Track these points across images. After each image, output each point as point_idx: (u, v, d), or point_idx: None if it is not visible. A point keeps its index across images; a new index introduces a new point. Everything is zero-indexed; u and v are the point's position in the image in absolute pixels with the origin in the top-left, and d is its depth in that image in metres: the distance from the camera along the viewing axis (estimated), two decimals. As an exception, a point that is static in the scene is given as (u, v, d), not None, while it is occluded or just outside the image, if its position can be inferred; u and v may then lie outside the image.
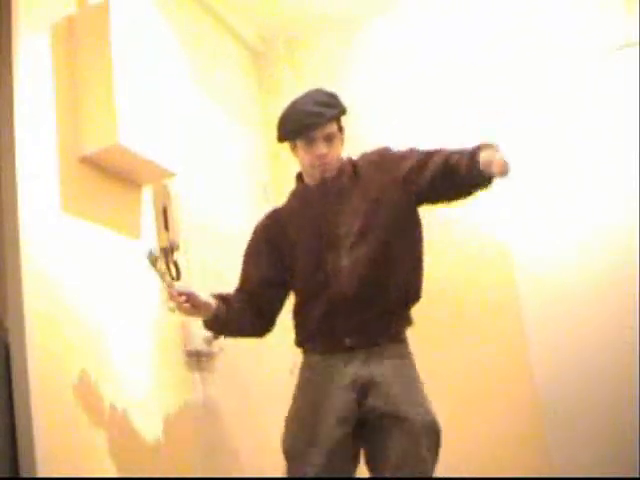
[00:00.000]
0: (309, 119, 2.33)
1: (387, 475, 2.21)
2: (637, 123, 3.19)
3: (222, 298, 2.41)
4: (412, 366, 2.36)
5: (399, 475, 2.19)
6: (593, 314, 3.19)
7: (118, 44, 2.42)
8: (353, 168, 2.42)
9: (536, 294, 3.30)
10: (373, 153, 2.46)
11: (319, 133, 2.34)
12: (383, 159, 2.43)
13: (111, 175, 2.53)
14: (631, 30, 3.25)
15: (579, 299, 3.23)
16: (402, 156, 2.40)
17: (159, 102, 2.62)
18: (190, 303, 2.31)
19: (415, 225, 2.41)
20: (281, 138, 2.42)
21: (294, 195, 2.52)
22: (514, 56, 3.46)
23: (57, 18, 2.44)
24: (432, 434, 2.25)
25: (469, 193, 2.33)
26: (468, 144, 3.42)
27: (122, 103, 2.38)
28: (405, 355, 2.36)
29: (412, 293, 2.40)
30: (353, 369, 2.28)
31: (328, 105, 2.36)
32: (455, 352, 3.32)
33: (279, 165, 3.45)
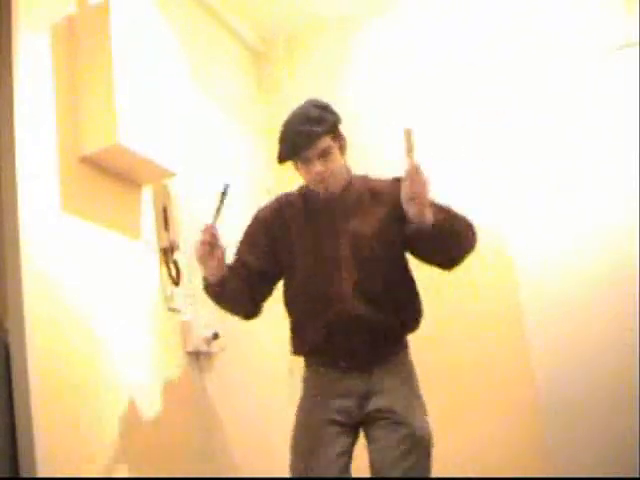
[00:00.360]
0: (299, 140, 2.28)
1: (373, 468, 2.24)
2: (637, 123, 3.19)
3: (229, 267, 2.39)
4: (411, 377, 2.37)
5: (384, 472, 2.21)
6: (593, 315, 3.18)
7: (118, 44, 2.42)
8: (369, 190, 2.41)
9: (536, 295, 3.29)
10: (391, 181, 2.42)
11: (312, 152, 2.29)
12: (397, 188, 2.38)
13: (111, 175, 2.53)
14: (631, 30, 3.24)
15: (579, 300, 3.23)
16: None
17: (159, 102, 2.62)
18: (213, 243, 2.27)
19: (404, 256, 2.43)
20: (279, 159, 2.37)
21: (303, 194, 2.46)
22: (514, 56, 3.45)
23: (57, 18, 2.44)
24: (425, 447, 2.25)
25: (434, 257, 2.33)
26: (468, 144, 3.46)
27: (122, 103, 2.38)
28: (404, 365, 2.37)
29: (411, 319, 2.40)
30: (352, 380, 2.30)
31: (318, 121, 2.29)
32: (455, 354, 3.32)
33: (278, 165, 3.44)
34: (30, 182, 2.18)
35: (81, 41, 2.46)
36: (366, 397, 2.28)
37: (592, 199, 3.28)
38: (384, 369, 2.30)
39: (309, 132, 2.27)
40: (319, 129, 2.28)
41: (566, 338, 3.21)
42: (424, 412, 2.32)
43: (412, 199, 2.12)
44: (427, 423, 2.30)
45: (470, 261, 3.42)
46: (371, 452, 2.27)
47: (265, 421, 3.18)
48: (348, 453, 2.28)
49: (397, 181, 2.38)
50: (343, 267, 2.30)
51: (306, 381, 2.41)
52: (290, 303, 2.43)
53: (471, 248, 2.36)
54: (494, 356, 3.30)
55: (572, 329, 3.20)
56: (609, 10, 3.35)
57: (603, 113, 3.29)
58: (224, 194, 2.32)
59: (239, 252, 2.47)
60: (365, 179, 2.46)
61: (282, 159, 2.36)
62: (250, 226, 2.51)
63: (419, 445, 2.24)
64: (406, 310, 2.36)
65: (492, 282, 3.37)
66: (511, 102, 3.45)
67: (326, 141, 2.30)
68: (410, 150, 2.11)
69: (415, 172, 2.11)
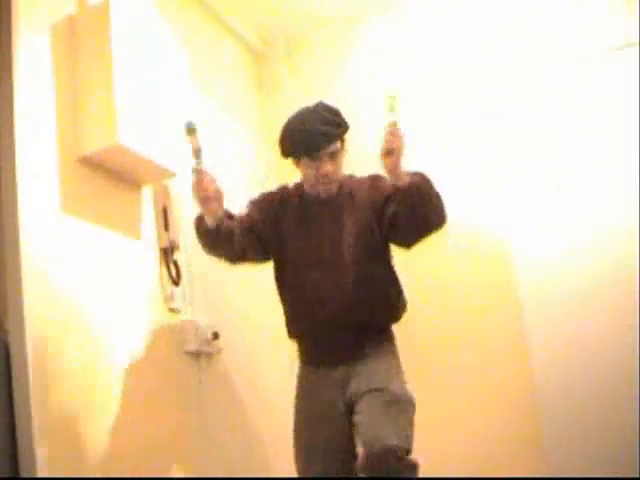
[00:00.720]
0: (317, 139, 2.37)
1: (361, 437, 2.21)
2: (637, 123, 3.19)
3: (229, 216, 2.49)
4: (389, 355, 2.42)
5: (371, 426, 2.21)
6: (593, 314, 3.18)
7: (118, 44, 2.42)
8: (350, 190, 2.50)
9: (536, 293, 3.29)
10: (366, 179, 2.54)
11: (325, 152, 2.39)
12: (372, 186, 2.50)
13: (111, 175, 2.53)
14: (631, 30, 3.24)
15: (579, 299, 3.23)
16: (385, 187, 2.47)
17: (159, 102, 2.62)
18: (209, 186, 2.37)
19: (388, 250, 2.50)
20: (286, 154, 2.47)
21: (298, 191, 2.55)
22: (514, 56, 3.45)
23: (57, 18, 2.44)
24: (407, 401, 2.30)
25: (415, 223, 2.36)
26: (468, 144, 3.46)
27: (122, 103, 2.38)
28: (386, 349, 2.43)
29: (393, 312, 2.47)
30: (338, 374, 2.37)
31: (334, 124, 2.41)
32: (454, 351, 3.32)
33: (278, 164, 3.45)
34: (30, 182, 2.18)
35: (81, 41, 2.46)
36: (347, 381, 2.34)
37: (592, 199, 3.28)
38: (364, 359, 2.37)
39: (327, 132, 2.37)
40: (336, 131, 2.40)
41: (566, 336, 3.21)
42: (403, 381, 2.37)
43: (389, 153, 2.27)
44: (407, 390, 2.34)
45: (470, 259, 3.44)
46: (357, 422, 2.26)
47: (265, 421, 3.17)
48: (345, 442, 2.30)
49: (375, 177, 2.51)
50: (325, 268, 2.40)
51: (298, 377, 2.51)
52: (280, 294, 2.52)
53: (443, 217, 2.40)
54: (493, 354, 3.31)
55: (572, 327, 3.20)
56: (609, 10, 3.34)
57: (603, 113, 3.29)
58: (191, 131, 2.39)
59: (247, 211, 2.57)
60: (349, 179, 2.54)
61: (291, 154, 2.46)
62: (259, 197, 2.62)
63: (401, 399, 2.29)
64: (385, 306, 2.44)
65: (492, 282, 3.37)
66: (511, 102, 3.45)
67: (338, 144, 2.42)
68: (392, 109, 2.27)
69: (395, 126, 2.27)
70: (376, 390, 2.28)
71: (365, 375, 2.33)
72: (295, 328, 2.49)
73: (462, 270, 3.42)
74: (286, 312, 2.51)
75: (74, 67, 2.44)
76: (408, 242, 2.45)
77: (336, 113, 2.45)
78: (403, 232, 2.40)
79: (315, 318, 2.39)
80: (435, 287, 3.29)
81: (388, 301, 2.44)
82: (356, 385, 2.33)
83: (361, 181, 2.54)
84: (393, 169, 2.30)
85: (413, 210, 2.32)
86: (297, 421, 2.43)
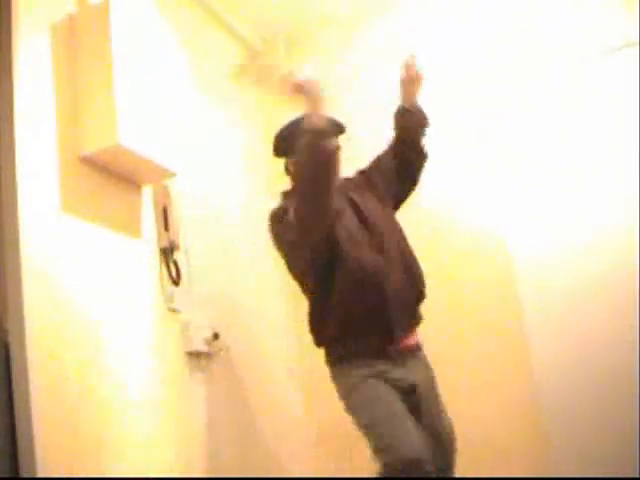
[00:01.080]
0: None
1: None
2: (637, 123, 3.19)
3: None
4: (434, 375, 2.55)
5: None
6: (593, 313, 3.19)
7: (118, 44, 2.42)
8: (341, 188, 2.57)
9: (536, 293, 3.29)
10: (347, 178, 2.65)
11: None
12: (358, 177, 2.65)
13: (111, 175, 2.53)
14: (631, 30, 3.24)
15: (579, 298, 3.23)
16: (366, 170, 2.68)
17: (159, 102, 2.62)
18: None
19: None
20: (282, 152, 2.54)
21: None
22: (514, 56, 3.45)
23: (57, 18, 2.44)
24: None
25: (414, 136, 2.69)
26: (468, 144, 3.47)
27: (122, 103, 2.38)
28: (429, 364, 2.56)
29: (423, 287, 2.58)
30: (397, 374, 2.42)
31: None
32: (454, 351, 3.32)
33: (278, 164, 3.45)
34: (30, 182, 2.18)
35: (81, 41, 2.46)
36: (410, 390, 2.43)
37: (592, 199, 3.28)
38: (415, 367, 2.47)
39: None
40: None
41: (566, 335, 3.21)
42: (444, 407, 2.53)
43: (413, 81, 2.71)
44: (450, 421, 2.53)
45: (471, 258, 3.43)
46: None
47: (265, 421, 3.18)
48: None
49: (350, 178, 2.66)
50: (371, 247, 2.46)
51: (349, 374, 2.45)
52: (326, 295, 2.47)
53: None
54: (493, 354, 3.31)
55: (572, 327, 3.21)
56: (609, 10, 3.34)
57: (603, 113, 3.30)
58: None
59: None
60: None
61: (290, 150, 2.49)
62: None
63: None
64: (421, 276, 2.56)
65: (492, 282, 3.37)
66: (511, 102, 3.45)
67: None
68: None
69: (413, 59, 2.69)
70: (433, 435, 2.44)
71: (425, 403, 2.45)
72: (341, 323, 2.43)
73: (462, 270, 3.43)
74: (328, 313, 2.45)
75: (74, 67, 2.44)
76: (415, 153, 2.69)
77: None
78: (410, 147, 2.65)
79: (369, 299, 2.40)
80: (435, 287, 3.28)
81: (421, 272, 2.55)
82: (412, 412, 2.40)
83: (346, 180, 2.61)
84: (415, 94, 2.72)
85: (417, 123, 2.75)
86: (369, 405, 2.41)
